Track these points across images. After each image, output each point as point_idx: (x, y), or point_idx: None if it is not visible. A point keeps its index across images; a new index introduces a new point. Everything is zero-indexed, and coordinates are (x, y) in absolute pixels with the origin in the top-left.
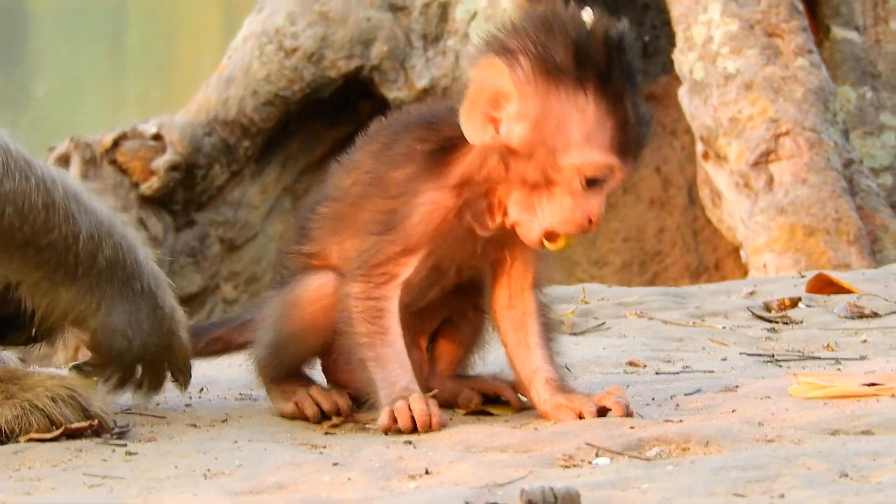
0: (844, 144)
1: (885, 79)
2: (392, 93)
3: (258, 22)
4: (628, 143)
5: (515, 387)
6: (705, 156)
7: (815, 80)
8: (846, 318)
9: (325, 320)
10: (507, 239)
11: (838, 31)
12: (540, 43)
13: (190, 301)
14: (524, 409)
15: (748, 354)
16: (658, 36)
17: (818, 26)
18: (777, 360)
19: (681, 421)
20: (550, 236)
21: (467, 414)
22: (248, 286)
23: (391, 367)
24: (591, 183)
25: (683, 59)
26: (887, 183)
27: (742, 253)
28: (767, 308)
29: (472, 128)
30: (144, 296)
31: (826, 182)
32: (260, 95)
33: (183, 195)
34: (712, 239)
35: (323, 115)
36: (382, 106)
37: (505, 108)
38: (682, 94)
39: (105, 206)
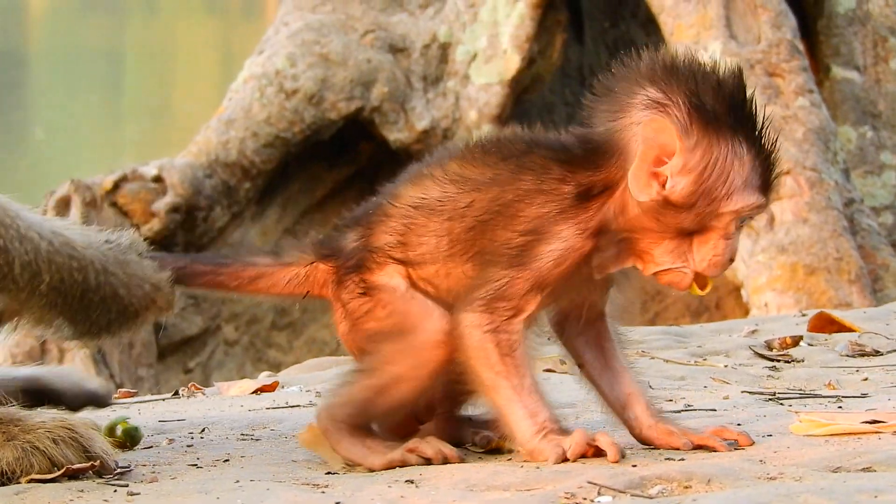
0: (845, 184)
1: (886, 118)
2: (393, 134)
3: (258, 64)
4: (773, 179)
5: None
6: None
7: (816, 119)
8: (847, 356)
9: (444, 366)
10: (611, 280)
11: (838, 71)
12: (693, 94)
13: (191, 342)
14: None
15: (750, 393)
16: None
17: (818, 66)
18: (779, 399)
19: (683, 459)
20: (698, 280)
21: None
22: (248, 327)
23: (531, 399)
24: (741, 223)
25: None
26: (888, 222)
27: (743, 292)
28: (769, 347)
29: (639, 186)
30: (107, 302)
31: (827, 221)
32: (260, 137)
33: (184, 237)
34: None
35: (323, 156)
36: (383, 147)
37: (668, 163)
38: None
39: (53, 229)
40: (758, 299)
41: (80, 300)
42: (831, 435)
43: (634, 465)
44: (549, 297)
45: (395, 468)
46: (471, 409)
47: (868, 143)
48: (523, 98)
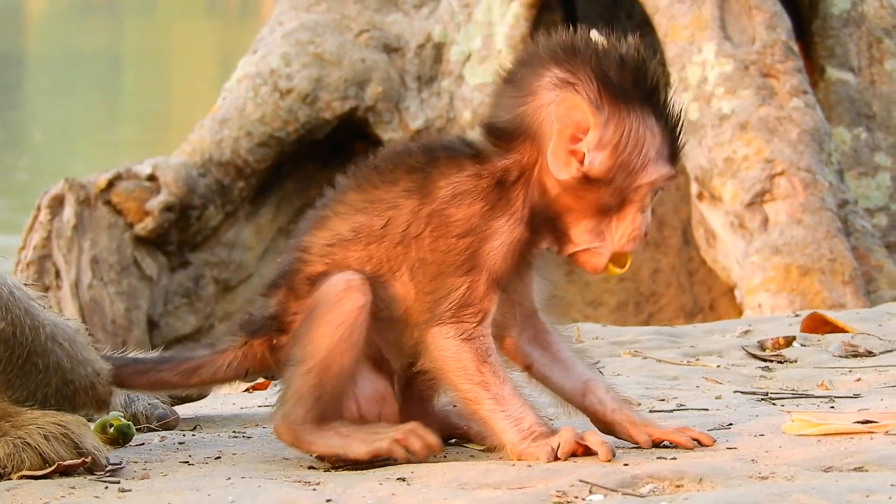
0: (839, 185)
1: (880, 119)
2: (387, 134)
3: (252, 63)
4: (680, 148)
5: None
6: (700, 196)
7: (810, 120)
8: (840, 356)
9: (363, 310)
10: (532, 270)
11: (833, 72)
12: (600, 71)
13: (184, 342)
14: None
15: (742, 392)
16: None
17: (813, 67)
18: (771, 399)
19: (674, 458)
20: (616, 259)
21: (448, 445)
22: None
23: (513, 404)
24: (655, 193)
25: (678, 100)
26: (882, 223)
27: (737, 293)
28: (762, 347)
29: (559, 164)
30: (49, 372)
31: (821, 222)
32: (254, 136)
33: (177, 236)
34: (707, 279)
35: (317, 156)
36: (377, 147)
37: (584, 139)
38: None
39: (16, 283)
40: (752, 300)
41: (25, 362)
42: (823, 435)
43: (626, 464)
44: (500, 292)
45: (381, 458)
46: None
47: (862, 144)
48: None
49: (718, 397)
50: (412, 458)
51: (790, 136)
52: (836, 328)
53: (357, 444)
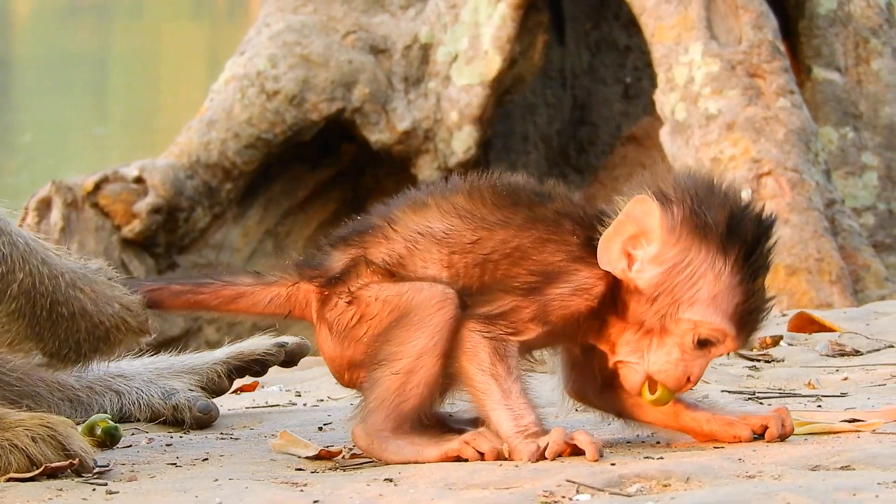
0: (826, 184)
1: (867, 119)
2: (374, 135)
3: (240, 65)
4: (749, 319)
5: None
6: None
7: (797, 120)
8: (827, 356)
9: (454, 325)
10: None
11: (820, 72)
12: (697, 199)
13: (172, 344)
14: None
15: (730, 392)
16: (640, 78)
17: (799, 67)
18: (758, 398)
19: (661, 458)
20: (650, 385)
21: None
22: (230, 329)
23: (518, 402)
24: (702, 344)
25: (665, 100)
26: (869, 223)
27: None
28: (749, 346)
29: (608, 255)
30: (76, 318)
31: (808, 222)
32: (242, 138)
33: (165, 238)
34: None
35: (304, 157)
36: (364, 148)
37: (644, 247)
38: (664, 134)
39: (30, 236)
40: None
41: (49, 312)
42: (810, 434)
43: (613, 464)
44: (546, 337)
45: (450, 460)
46: (448, 406)
47: (849, 144)
48: (505, 99)
49: (706, 396)
50: (483, 458)
51: (777, 135)
52: (823, 327)
53: (429, 448)
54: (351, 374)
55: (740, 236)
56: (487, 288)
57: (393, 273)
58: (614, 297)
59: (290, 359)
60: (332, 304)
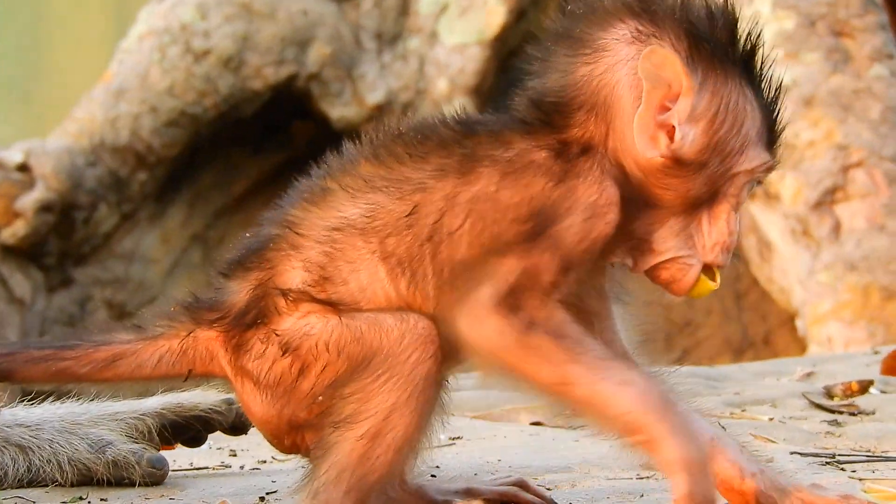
0: None
1: None
2: (336, 110)
3: (159, 15)
4: (780, 134)
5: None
6: (751, 195)
7: None
8: None
9: (438, 369)
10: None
11: None
12: (689, 23)
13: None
14: None
15: (801, 454)
16: None
17: None
18: (839, 462)
19: None
20: (709, 272)
21: None
22: None
23: (620, 370)
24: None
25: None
26: None
27: (799, 323)
28: (829, 394)
29: (645, 139)
30: None
31: None
32: (160, 113)
33: (58, 244)
34: (760, 304)
35: (244, 139)
36: (323, 127)
37: (674, 109)
38: None
39: None
40: (819, 332)
41: None
42: None
43: None
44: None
45: None
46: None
47: None
48: (510, 64)
49: (770, 460)
50: None
51: (870, 114)
52: None
53: None
54: (293, 437)
55: (750, 52)
56: (464, 260)
57: (323, 299)
58: (632, 191)
59: (239, 423)
60: (256, 353)
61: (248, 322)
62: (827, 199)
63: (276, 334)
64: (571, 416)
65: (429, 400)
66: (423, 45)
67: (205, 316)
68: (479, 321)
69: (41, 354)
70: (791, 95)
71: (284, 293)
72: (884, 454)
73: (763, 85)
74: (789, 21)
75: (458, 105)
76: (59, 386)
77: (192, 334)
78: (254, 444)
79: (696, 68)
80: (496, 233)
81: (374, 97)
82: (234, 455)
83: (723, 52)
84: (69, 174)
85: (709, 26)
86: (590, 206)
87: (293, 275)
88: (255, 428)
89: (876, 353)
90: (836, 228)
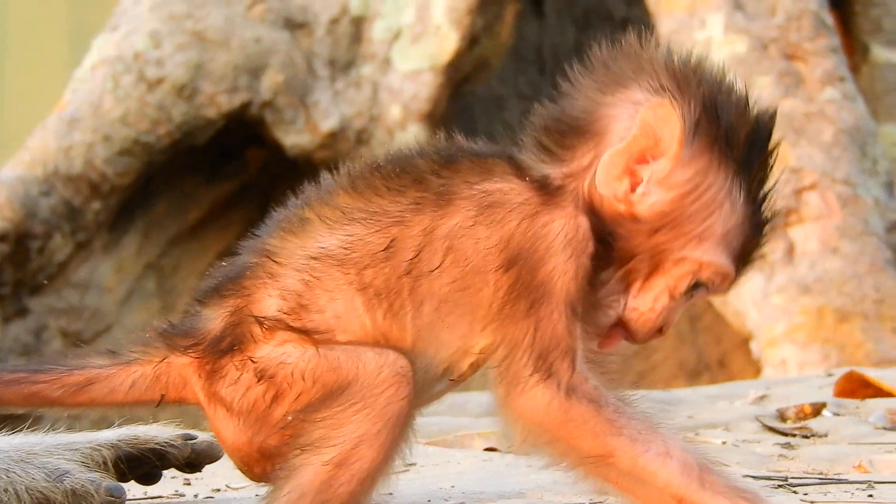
0: (888, 201)
1: None
2: (289, 137)
3: (112, 44)
4: (751, 257)
5: None
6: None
7: (850, 116)
8: (885, 429)
9: (408, 410)
10: None
11: (880, 52)
12: (717, 107)
13: (19, 419)
14: None
15: (754, 477)
16: None
17: (853, 45)
18: (792, 485)
19: None
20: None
21: None
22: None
23: (658, 439)
24: (693, 289)
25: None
26: None
27: (753, 345)
28: (782, 417)
29: (608, 173)
30: None
31: (864, 251)
32: (114, 142)
33: (12, 274)
34: (715, 327)
35: (198, 167)
36: (277, 155)
37: (651, 165)
38: None
39: None
40: (773, 354)
41: None
42: None
43: None
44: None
45: None
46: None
47: None
48: (464, 89)
49: None
50: None
51: (823, 136)
52: (880, 391)
53: None
54: (263, 465)
55: (759, 156)
56: (446, 309)
57: (298, 327)
58: (596, 226)
59: (195, 460)
60: (229, 380)
61: (222, 349)
62: (780, 222)
63: (252, 361)
64: (610, 489)
65: (397, 438)
66: (377, 72)
67: (179, 342)
68: (523, 395)
69: (13, 377)
70: None
71: (260, 321)
72: (836, 476)
73: (762, 205)
74: (741, 45)
75: (441, 134)
76: (31, 410)
77: (165, 360)
78: (208, 473)
79: (693, 142)
80: (483, 281)
81: (327, 124)
82: (188, 484)
83: (730, 143)
84: (23, 203)
85: (731, 115)
86: (568, 244)
87: (269, 303)
88: (220, 459)
89: (830, 375)
90: (790, 251)
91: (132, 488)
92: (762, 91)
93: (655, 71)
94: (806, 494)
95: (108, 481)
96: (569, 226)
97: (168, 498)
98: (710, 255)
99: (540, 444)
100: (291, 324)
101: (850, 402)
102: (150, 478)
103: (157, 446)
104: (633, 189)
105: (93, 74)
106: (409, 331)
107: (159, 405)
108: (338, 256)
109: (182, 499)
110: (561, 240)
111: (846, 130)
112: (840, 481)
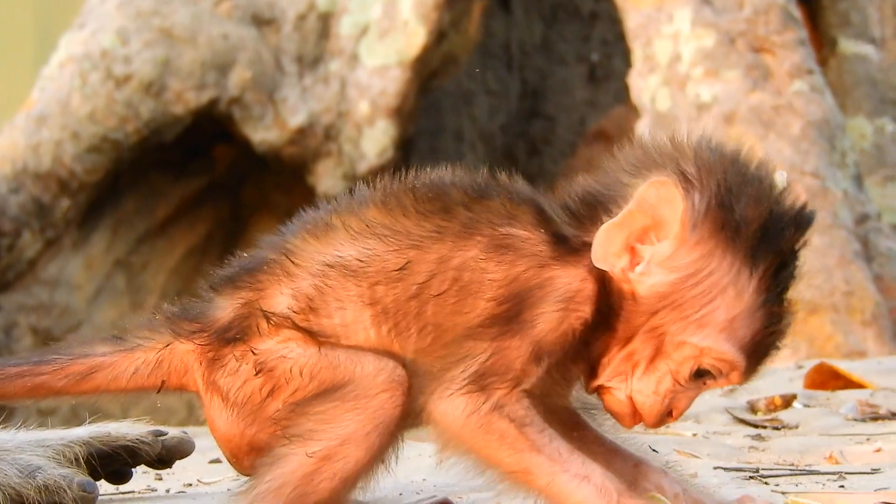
0: (857, 194)
1: None
2: (258, 133)
3: (79, 42)
4: (764, 349)
5: None
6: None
7: (818, 109)
8: (855, 420)
9: (398, 419)
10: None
11: (848, 45)
12: (728, 190)
13: None
14: None
15: (725, 469)
16: (609, 55)
17: (821, 39)
18: (763, 476)
19: None
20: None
21: None
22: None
23: (575, 461)
24: (699, 375)
25: (643, 85)
26: None
27: None
28: (752, 409)
29: (606, 248)
30: None
31: (833, 244)
32: (82, 139)
33: None
34: None
35: (166, 164)
36: (245, 151)
37: (654, 244)
38: (642, 130)
39: None
40: None
41: None
42: None
43: None
44: (548, 375)
45: None
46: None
47: (888, 139)
48: (431, 85)
49: (694, 475)
50: None
51: (791, 129)
52: (850, 383)
53: None
54: (252, 458)
55: (775, 243)
56: (441, 335)
57: (304, 328)
58: (606, 301)
59: (166, 456)
60: (229, 369)
61: (227, 338)
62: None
63: (254, 353)
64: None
65: (384, 444)
66: (344, 68)
67: (185, 327)
68: (447, 399)
69: (17, 371)
70: (711, 113)
71: (268, 316)
72: (807, 468)
73: (778, 297)
74: (709, 38)
75: (484, 167)
76: (36, 401)
77: (169, 346)
78: (179, 468)
79: (700, 226)
80: (471, 307)
81: (295, 120)
82: (160, 479)
83: (739, 231)
84: None
85: (745, 207)
86: (564, 298)
87: (281, 300)
88: (191, 454)
89: (800, 367)
90: None
91: (103, 484)
92: (730, 85)
93: (681, 156)
94: (777, 485)
95: (81, 477)
96: (572, 285)
97: (140, 493)
98: (711, 342)
99: (458, 454)
100: (299, 323)
101: (821, 394)
102: (120, 476)
103: (128, 443)
104: (632, 267)
105: (60, 72)
106: (410, 351)
107: (160, 391)
108: (353, 268)
109: (154, 493)
110: (559, 294)
111: (814, 123)
112: (811, 472)
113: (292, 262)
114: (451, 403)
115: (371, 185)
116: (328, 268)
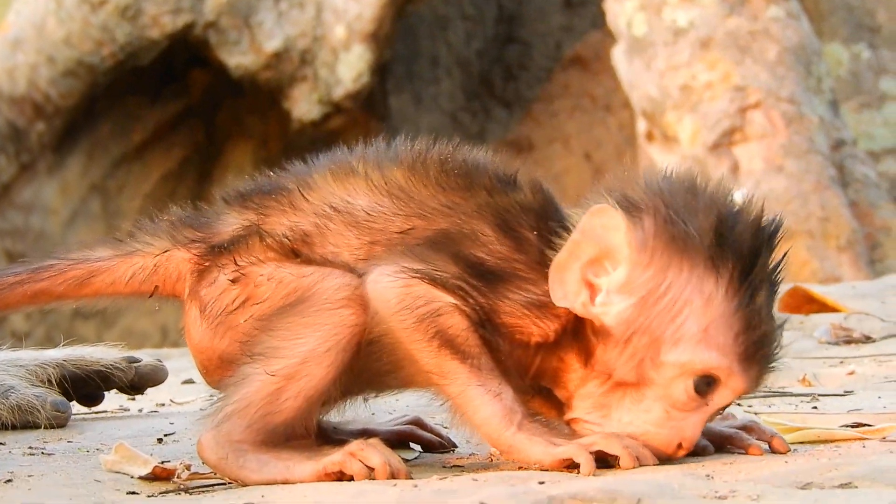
0: (833, 120)
1: (888, 33)
2: (234, 58)
3: None
4: (756, 351)
5: (421, 424)
6: (649, 136)
7: (794, 35)
8: (829, 343)
9: (360, 332)
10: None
11: None
12: (674, 206)
13: None
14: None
15: None
16: None
17: None
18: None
19: (607, 475)
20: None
21: None
22: (44, 316)
23: (493, 381)
24: (700, 392)
25: (619, 10)
26: (891, 170)
27: None
28: None
29: (562, 288)
30: None
31: (809, 170)
32: (58, 63)
33: None
34: None
35: (142, 88)
36: (221, 76)
37: (609, 273)
38: (618, 55)
39: None
40: None
41: None
42: (801, 443)
43: (542, 482)
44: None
45: (330, 479)
46: (336, 417)
47: (864, 66)
48: (407, 10)
49: None
50: (371, 476)
51: (767, 55)
52: (824, 307)
53: (302, 464)
54: (222, 372)
55: (733, 246)
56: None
57: (295, 251)
58: (576, 333)
59: (139, 383)
60: (211, 280)
61: (221, 250)
62: (725, 141)
63: (235, 263)
64: (440, 406)
65: (344, 361)
66: None
67: (187, 234)
68: (389, 280)
69: (16, 279)
70: (688, 38)
71: (263, 234)
72: (780, 390)
73: (752, 295)
74: None
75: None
76: (38, 308)
77: (166, 252)
78: (151, 389)
79: (650, 244)
80: (494, 255)
81: (271, 45)
82: (133, 399)
83: (696, 244)
84: None
85: (699, 214)
86: (535, 303)
87: (279, 229)
88: (163, 382)
89: None
90: (735, 169)
91: (75, 405)
92: (706, 10)
93: (628, 185)
94: (750, 406)
95: (54, 396)
96: (547, 299)
97: (113, 412)
98: (690, 355)
99: (383, 334)
100: (293, 246)
101: (795, 317)
102: (92, 399)
103: (102, 368)
104: (592, 301)
105: None
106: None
107: (152, 296)
108: (358, 218)
109: (126, 413)
110: (533, 297)
111: (791, 49)
112: (784, 394)
113: (304, 196)
114: (392, 283)
115: (409, 142)
116: (333, 211)
